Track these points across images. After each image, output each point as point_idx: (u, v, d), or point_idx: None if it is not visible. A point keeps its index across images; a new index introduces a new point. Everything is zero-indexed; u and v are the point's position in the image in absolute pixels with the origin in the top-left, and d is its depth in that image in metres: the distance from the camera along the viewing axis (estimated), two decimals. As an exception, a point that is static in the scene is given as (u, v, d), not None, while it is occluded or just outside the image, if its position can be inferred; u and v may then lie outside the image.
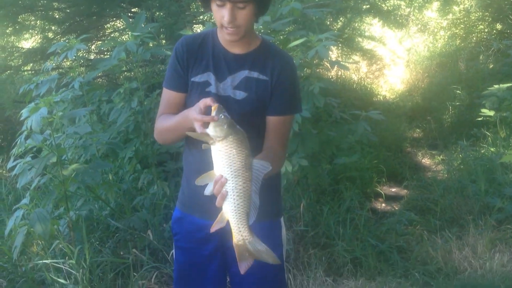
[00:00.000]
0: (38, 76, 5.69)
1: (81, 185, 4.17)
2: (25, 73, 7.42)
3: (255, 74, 2.08)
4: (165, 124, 2.10)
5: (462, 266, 4.23)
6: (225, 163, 1.72)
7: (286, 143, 2.19)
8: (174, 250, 2.34)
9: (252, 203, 1.76)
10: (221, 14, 1.94)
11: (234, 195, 1.73)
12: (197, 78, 2.10)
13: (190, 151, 2.21)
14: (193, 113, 1.83)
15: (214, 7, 1.95)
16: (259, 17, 2.04)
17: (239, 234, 1.78)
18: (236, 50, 2.11)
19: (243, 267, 1.83)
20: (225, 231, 1.88)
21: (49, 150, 3.65)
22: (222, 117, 1.73)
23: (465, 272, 4.14)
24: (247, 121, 1.97)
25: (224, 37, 2.04)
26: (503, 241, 4.52)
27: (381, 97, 10.03)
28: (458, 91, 8.64)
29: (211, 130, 1.73)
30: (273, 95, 2.09)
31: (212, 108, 1.78)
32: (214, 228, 1.80)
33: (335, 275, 4.12)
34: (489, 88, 6.99)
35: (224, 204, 1.76)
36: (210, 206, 1.83)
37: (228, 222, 1.79)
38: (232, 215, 1.75)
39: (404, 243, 4.57)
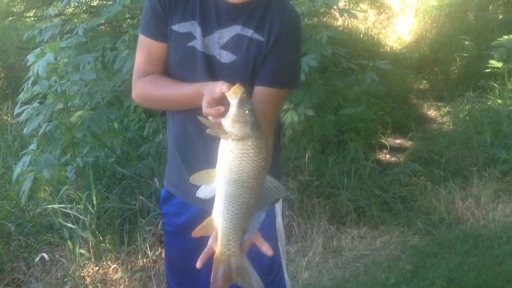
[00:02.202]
0: (40, 22, 5.63)
1: (87, 133, 4.18)
2: (28, 19, 7.32)
3: (249, 32, 1.66)
4: (160, 92, 1.72)
5: (465, 217, 4.28)
6: (233, 167, 1.36)
7: (271, 125, 1.69)
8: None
9: (251, 224, 1.42)
10: None
11: (233, 203, 1.37)
12: (178, 27, 1.68)
13: (171, 113, 1.85)
14: (204, 98, 1.47)
15: None
16: None
17: (226, 248, 1.40)
18: None
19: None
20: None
21: (55, 97, 3.64)
22: (247, 111, 1.35)
23: (468, 222, 4.19)
24: None
25: None
26: (507, 192, 4.55)
27: (388, 48, 9.88)
28: (466, 42, 8.49)
29: (228, 124, 1.35)
30: (266, 60, 1.66)
31: (232, 92, 1.38)
32: (197, 234, 1.45)
33: (339, 223, 4.18)
34: (498, 39, 6.88)
35: (216, 209, 1.40)
36: (194, 189, 1.46)
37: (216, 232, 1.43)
38: (224, 224, 1.38)
39: (408, 194, 4.61)
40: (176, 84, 1.69)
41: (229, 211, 1.37)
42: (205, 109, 1.43)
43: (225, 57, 1.66)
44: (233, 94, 1.37)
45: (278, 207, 1.88)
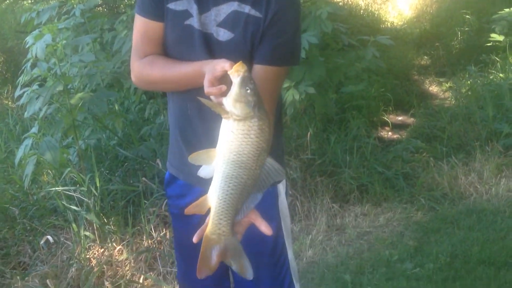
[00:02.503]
0: (38, 4, 5.58)
1: (88, 115, 4.17)
2: (25, 2, 7.26)
3: (246, 8, 1.61)
4: (160, 73, 1.68)
5: (468, 192, 4.28)
6: (232, 148, 1.32)
7: (273, 104, 1.66)
8: None
9: (245, 205, 1.39)
10: None
11: (229, 183, 1.33)
12: (175, 5, 1.65)
13: (171, 95, 1.82)
14: (206, 77, 1.43)
15: None
16: None
17: (217, 227, 1.37)
18: None
19: (202, 272, 1.42)
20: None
21: (55, 79, 3.62)
22: (249, 91, 1.30)
23: (471, 198, 4.20)
24: None
25: None
26: (510, 167, 4.55)
27: (388, 23, 9.80)
28: (467, 16, 8.42)
29: (229, 103, 1.31)
30: (264, 37, 1.62)
31: (234, 70, 1.33)
32: (189, 211, 1.41)
33: (342, 201, 4.19)
34: (499, 12, 6.81)
35: (212, 188, 1.37)
36: (195, 170, 1.42)
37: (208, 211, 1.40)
38: (217, 203, 1.35)
39: (410, 170, 4.60)
40: (175, 64, 1.66)
41: (224, 191, 1.34)
42: (206, 89, 1.39)
43: (223, 35, 1.62)
44: (236, 72, 1.32)
45: (282, 187, 1.85)
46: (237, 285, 1.95)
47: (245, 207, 1.39)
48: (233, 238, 1.39)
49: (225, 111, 1.32)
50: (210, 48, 1.63)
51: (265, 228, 1.43)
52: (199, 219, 1.73)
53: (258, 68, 1.62)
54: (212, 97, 1.38)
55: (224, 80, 1.39)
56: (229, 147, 1.32)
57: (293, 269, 1.92)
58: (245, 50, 1.62)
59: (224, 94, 1.34)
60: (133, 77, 1.76)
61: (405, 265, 3.30)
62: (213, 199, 1.36)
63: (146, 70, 1.71)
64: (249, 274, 1.42)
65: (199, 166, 1.40)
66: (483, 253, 3.35)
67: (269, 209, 1.75)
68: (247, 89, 1.31)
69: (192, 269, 1.91)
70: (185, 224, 1.86)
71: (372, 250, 3.54)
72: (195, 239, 1.41)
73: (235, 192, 1.34)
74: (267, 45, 1.62)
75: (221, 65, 1.40)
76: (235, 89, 1.32)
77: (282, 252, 1.88)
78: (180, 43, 1.68)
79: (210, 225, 1.37)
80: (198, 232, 1.41)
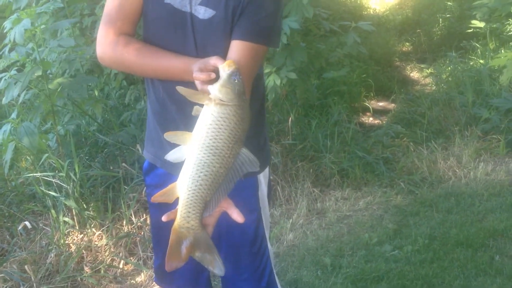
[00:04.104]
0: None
1: (68, 101, 4.13)
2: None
3: None
4: (141, 60, 1.64)
5: (447, 176, 4.33)
6: (210, 132, 1.30)
7: (248, 82, 1.57)
8: None
9: (215, 197, 1.35)
10: None
11: (200, 172, 1.31)
12: None
13: (150, 80, 1.77)
14: (196, 65, 1.43)
15: None
16: None
17: (185, 220, 1.34)
18: None
19: (170, 265, 1.40)
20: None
21: (33, 65, 3.57)
22: (236, 81, 1.32)
23: (449, 181, 4.25)
24: (212, 52, 1.51)
25: None
26: (488, 151, 4.61)
27: (371, 10, 9.82)
28: (449, 3, 8.47)
29: (215, 88, 1.31)
30: (243, 14, 1.58)
31: (226, 65, 1.35)
32: (157, 199, 1.38)
33: (323, 186, 4.21)
34: (481, -1, 6.85)
35: (181, 176, 1.34)
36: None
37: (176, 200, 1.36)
38: (186, 194, 1.32)
39: (390, 155, 4.64)
40: (157, 53, 1.62)
41: (194, 181, 1.31)
42: (195, 73, 1.38)
43: (204, 13, 1.58)
44: (227, 66, 1.34)
45: (263, 177, 1.82)
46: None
47: (214, 200, 1.35)
48: (202, 232, 1.36)
49: (207, 97, 1.32)
50: (192, 27, 1.60)
51: (237, 215, 1.40)
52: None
53: (235, 43, 1.58)
54: (197, 84, 1.37)
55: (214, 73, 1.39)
56: (206, 131, 1.30)
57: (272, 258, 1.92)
58: (227, 27, 1.59)
59: (211, 82, 1.34)
60: (100, 51, 1.67)
61: (384, 247, 3.33)
62: (182, 189, 1.33)
63: (120, 51, 1.63)
64: (219, 270, 1.40)
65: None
66: (461, 235, 3.40)
67: (249, 199, 1.75)
68: (235, 79, 1.32)
69: None
70: (163, 214, 1.84)
71: (352, 233, 3.57)
72: (164, 218, 1.38)
73: (205, 184, 1.31)
74: (245, 21, 1.58)
75: (214, 61, 1.40)
76: (224, 77, 1.33)
77: (263, 242, 1.87)
78: (160, 22, 1.65)
79: (178, 218, 1.34)
80: (168, 213, 1.37)
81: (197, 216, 1.34)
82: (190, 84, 1.41)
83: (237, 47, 1.57)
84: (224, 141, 1.30)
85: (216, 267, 1.40)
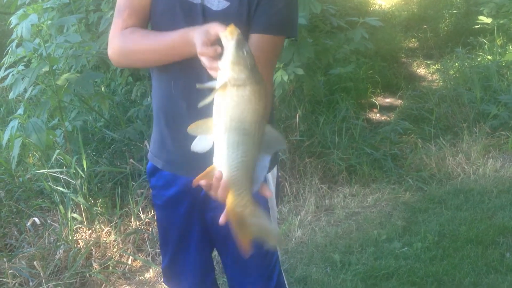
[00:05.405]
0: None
1: (74, 97, 4.12)
2: (8, -17, 7.12)
3: None
4: (142, 43, 1.58)
5: (455, 172, 4.31)
6: (234, 116, 1.23)
7: (270, 74, 1.59)
8: None
9: (255, 175, 1.31)
10: None
11: (237, 153, 1.26)
12: None
13: (156, 75, 1.71)
14: (198, 38, 1.33)
15: None
16: None
17: (240, 197, 1.30)
18: None
19: (246, 249, 1.38)
20: (196, 192, 1.56)
21: (40, 61, 3.55)
22: (245, 53, 1.22)
23: (458, 178, 4.22)
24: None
25: None
26: (497, 147, 4.58)
27: (376, 6, 9.77)
28: (455, -1, 8.44)
29: (227, 65, 1.23)
30: (260, 6, 1.54)
31: (228, 33, 1.24)
32: (198, 181, 1.32)
33: (330, 182, 4.19)
34: (488, -6, 6.81)
35: (217, 158, 1.29)
36: (178, 156, 1.39)
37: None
38: (231, 173, 1.27)
39: (398, 151, 4.62)
40: (158, 33, 1.58)
41: (234, 159, 1.26)
42: (200, 49, 1.31)
43: (217, 4, 1.54)
44: (230, 35, 1.24)
45: (271, 176, 1.77)
46: (228, 277, 1.91)
47: (255, 177, 1.31)
48: (256, 208, 1.33)
49: (221, 80, 1.24)
50: (205, 20, 1.53)
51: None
52: (186, 208, 1.73)
53: (254, 37, 1.55)
54: (204, 60, 1.30)
55: (217, 44, 1.31)
56: (230, 116, 1.24)
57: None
58: (242, 19, 1.53)
59: (218, 57, 1.26)
60: (110, 51, 1.64)
61: (394, 244, 3.32)
62: (224, 168, 1.28)
63: (123, 41, 1.60)
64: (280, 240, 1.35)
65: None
66: (470, 232, 3.37)
67: (257, 200, 1.73)
68: (244, 52, 1.23)
69: (177, 260, 1.89)
70: (170, 215, 1.81)
71: (360, 230, 3.55)
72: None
73: (245, 159, 1.26)
74: (263, 14, 1.55)
75: (215, 28, 1.32)
76: (231, 51, 1.24)
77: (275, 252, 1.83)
78: (169, 14, 1.60)
79: (232, 198, 1.30)
80: (199, 177, 1.32)
81: (248, 192, 1.30)
82: (206, 80, 1.34)
83: (257, 41, 1.54)
84: (250, 122, 1.24)
85: (277, 237, 1.39)
